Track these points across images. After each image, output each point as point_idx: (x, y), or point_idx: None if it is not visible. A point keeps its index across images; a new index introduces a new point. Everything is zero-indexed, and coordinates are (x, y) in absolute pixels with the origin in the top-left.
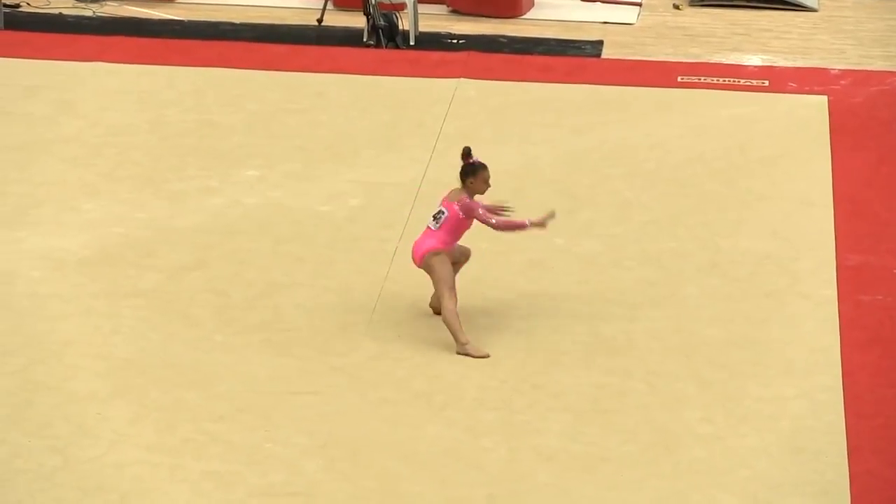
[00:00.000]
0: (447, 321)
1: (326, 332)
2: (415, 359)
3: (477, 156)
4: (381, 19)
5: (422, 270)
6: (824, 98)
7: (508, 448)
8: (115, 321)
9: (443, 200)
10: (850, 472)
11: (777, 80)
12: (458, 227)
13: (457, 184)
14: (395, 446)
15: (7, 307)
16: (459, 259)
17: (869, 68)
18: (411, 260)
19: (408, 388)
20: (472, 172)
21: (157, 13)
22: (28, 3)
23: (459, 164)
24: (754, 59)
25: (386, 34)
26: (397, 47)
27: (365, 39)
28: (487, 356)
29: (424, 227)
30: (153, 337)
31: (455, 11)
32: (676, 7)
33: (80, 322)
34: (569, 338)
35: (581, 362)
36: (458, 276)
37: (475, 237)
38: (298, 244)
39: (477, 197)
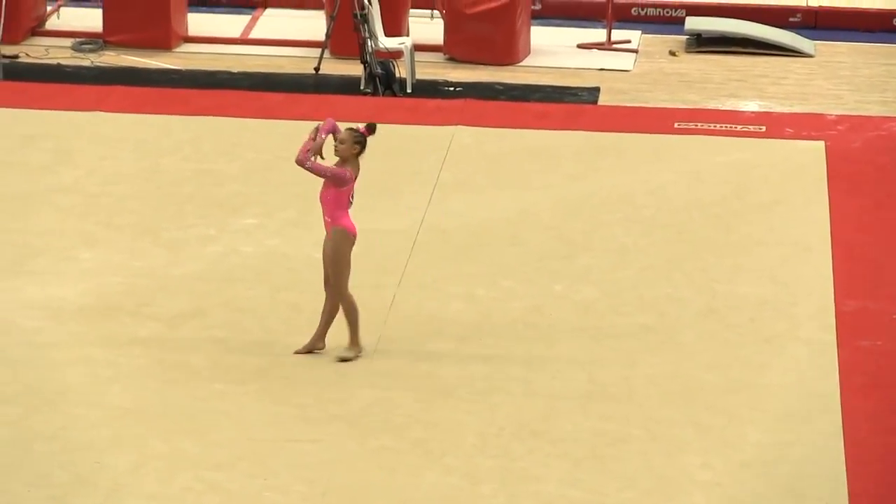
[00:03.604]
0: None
1: (325, 379)
2: (413, 406)
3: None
4: (378, 67)
5: (419, 320)
6: (821, 143)
7: (507, 495)
8: (113, 370)
9: None
10: None
11: (774, 125)
12: (332, 196)
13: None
14: (394, 494)
15: (4, 356)
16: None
17: (866, 114)
18: None
19: (406, 436)
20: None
21: (154, 63)
22: (27, 54)
23: (458, 211)
24: (751, 105)
25: (383, 82)
26: (394, 95)
27: (362, 87)
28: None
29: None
30: (151, 385)
31: (452, 59)
32: (673, 54)
33: (78, 371)
34: (567, 384)
35: (580, 409)
36: (456, 321)
37: (473, 282)
38: (296, 292)
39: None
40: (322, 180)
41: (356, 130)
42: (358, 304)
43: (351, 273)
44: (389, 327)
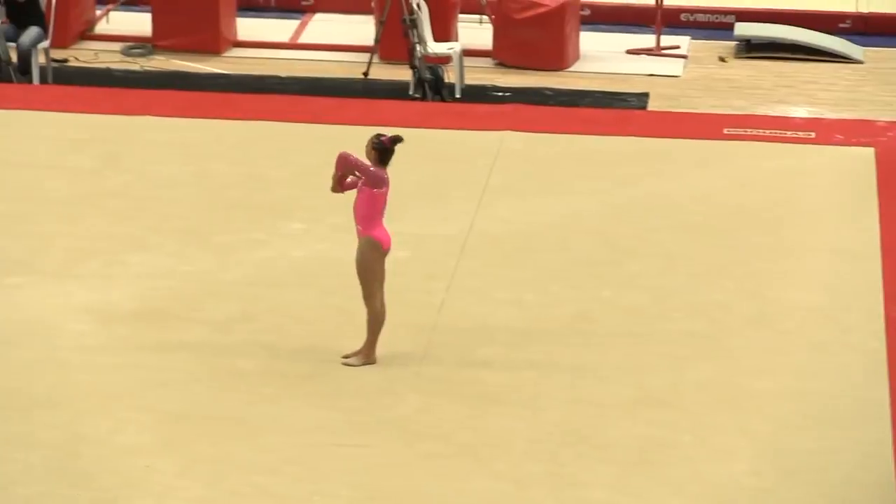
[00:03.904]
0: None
1: (373, 384)
2: (461, 411)
3: (386, 138)
4: (427, 72)
5: (468, 325)
6: (871, 150)
7: (555, 501)
8: (161, 374)
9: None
10: None
11: (823, 131)
12: (365, 201)
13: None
14: (442, 499)
15: (54, 360)
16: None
17: None
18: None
19: (454, 441)
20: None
21: (203, 67)
22: (76, 58)
23: (507, 216)
24: (800, 111)
25: (432, 87)
26: (443, 100)
27: (411, 92)
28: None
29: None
30: (200, 390)
31: (501, 64)
32: (722, 59)
33: (126, 375)
34: (615, 390)
35: (628, 415)
36: (504, 327)
37: (521, 288)
38: (345, 297)
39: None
40: (352, 192)
41: (381, 135)
42: (406, 309)
43: (400, 278)
44: (438, 332)
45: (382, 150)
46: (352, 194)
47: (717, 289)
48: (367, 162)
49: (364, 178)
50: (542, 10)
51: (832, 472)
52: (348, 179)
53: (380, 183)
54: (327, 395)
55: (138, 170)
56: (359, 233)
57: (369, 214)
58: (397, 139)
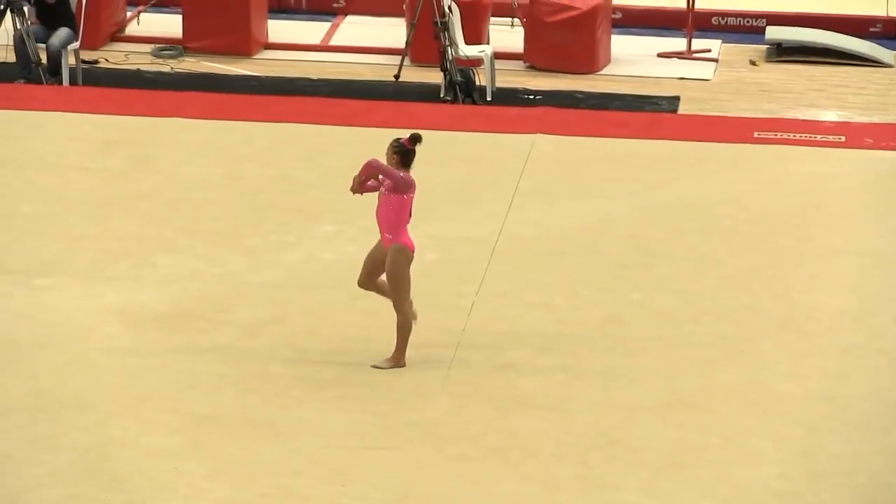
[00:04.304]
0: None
1: (402, 387)
2: (490, 414)
3: (415, 144)
4: (458, 75)
5: (497, 328)
6: None
7: (584, 503)
8: (191, 376)
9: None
10: None
11: (853, 135)
12: (393, 208)
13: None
14: (471, 501)
15: (84, 362)
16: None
17: None
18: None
19: (483, 444)
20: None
21: (234, 69)
22: (107, 60)
23: (537, 219)
24: (830, 115)
25: (463, 90)
26: (474, 103)
27: (442, 95)
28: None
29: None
30: (229, 392)
31: (532, 67)
32: (753, 63)
33: (155, 377)
34: (645, 393)
35: (657, 417)
36: (534, 330)
37: (551, 291)
38: (375, 299)
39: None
40: (375, 199)
41: (399, 139)
42: (436, 311)
43: (430, 280)
44: (467, 335)
45: (404, 153)
46: (377, 197)
47: (746, 292)
48: (394, 169)
49: (392, 183)
50: (573, 13)
51: (860, 475)
52: (370, 182)
53: (408, 188)
54: (356, 397)
55: (168, 171)
56: (387, 241)
57: (397, 222)
58: (416, 138)
